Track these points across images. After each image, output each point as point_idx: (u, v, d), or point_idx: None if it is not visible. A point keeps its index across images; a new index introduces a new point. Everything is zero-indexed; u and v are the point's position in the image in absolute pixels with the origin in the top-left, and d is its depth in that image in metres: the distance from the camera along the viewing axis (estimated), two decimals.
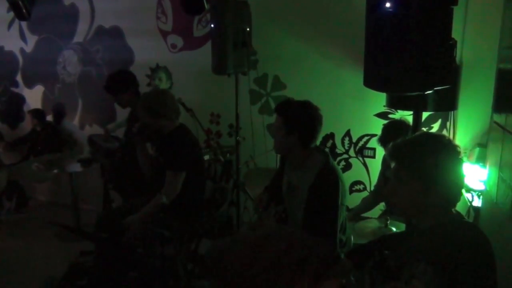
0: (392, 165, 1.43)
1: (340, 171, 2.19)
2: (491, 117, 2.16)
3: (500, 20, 2.13)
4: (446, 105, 2.68)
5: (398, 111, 3.16)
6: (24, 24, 4.85)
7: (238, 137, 3.40)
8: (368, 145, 3.43)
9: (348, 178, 3.41)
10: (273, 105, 3.77)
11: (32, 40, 4.88)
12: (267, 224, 2.11)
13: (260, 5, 3.43)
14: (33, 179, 4.44)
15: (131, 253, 2.65)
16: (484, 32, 2.65)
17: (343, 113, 3.40)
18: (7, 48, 5.09)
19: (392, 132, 2.68)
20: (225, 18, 3.01)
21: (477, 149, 2.55)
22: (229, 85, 3.39)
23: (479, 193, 2.41)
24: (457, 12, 1.69)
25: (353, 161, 3.53)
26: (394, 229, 2.42)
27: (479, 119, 2.69)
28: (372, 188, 3.37)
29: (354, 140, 3.50)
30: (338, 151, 3.53)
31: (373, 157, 3.43)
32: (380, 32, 1.67)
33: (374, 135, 3.28)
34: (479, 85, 2.64)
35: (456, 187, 1.38)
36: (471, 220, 2.33)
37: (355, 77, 3.13)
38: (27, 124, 5.00)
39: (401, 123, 2.79)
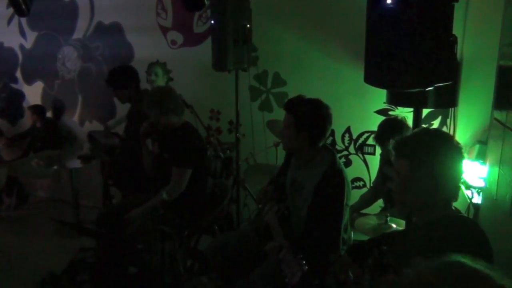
0: (400, 162, 1.42)
1: (346, 171, 2.17)
2: (492, 114, 2.16)
3: (501, 16, 2.12)
4: (446, 102, 2.66)
5: (398, 108, 3.15)
6: (23, 20, 4.83)
7: (238, 134, 3.39)
8: (368, 142, 3.43)
9: (348, 174, 3.38)
10: (273, 102, 3.77)
11: (31, 36, 4.87)
12: None
13: (260, 2, 3.41)
14: (33, 175, 4.44)
15: (132, 249, 2.65)
16: (485, 28, 2.64)
17: (343, 110, 3.39)
18: (6, 44, 5.08)
19: (388, 130, 2.68)
20: (226, 15, 3.00)
21: (477, 146, 2.54)
22: (229, 82, 3.38)
23: (479, 190, 2.41)
24: (458, 9, 1.69)
25: (353, 157, 3.54)
26: (394, 225, 2.42)
27: (479, 116, 2.67)
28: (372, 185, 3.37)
29: (354, 136, 3.50)
30: (338, 147, 3.54)
31: (373, 153, 3.43)
32: (381, 28, 1.67)
33: (374, 132, 3.28)
34: (479, 82, 2.63)
35: (458, 183, 1.41)
36: (471, 217, 2.34)
37: (355, 73, 3.12)
38: (27, 120, 5.00)
39: (397, 121, 2.78)
